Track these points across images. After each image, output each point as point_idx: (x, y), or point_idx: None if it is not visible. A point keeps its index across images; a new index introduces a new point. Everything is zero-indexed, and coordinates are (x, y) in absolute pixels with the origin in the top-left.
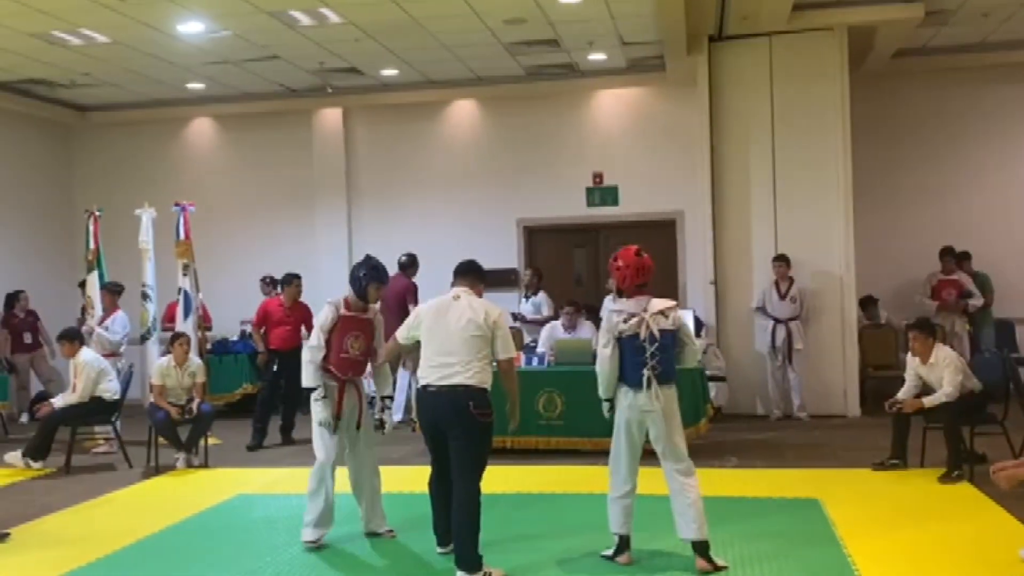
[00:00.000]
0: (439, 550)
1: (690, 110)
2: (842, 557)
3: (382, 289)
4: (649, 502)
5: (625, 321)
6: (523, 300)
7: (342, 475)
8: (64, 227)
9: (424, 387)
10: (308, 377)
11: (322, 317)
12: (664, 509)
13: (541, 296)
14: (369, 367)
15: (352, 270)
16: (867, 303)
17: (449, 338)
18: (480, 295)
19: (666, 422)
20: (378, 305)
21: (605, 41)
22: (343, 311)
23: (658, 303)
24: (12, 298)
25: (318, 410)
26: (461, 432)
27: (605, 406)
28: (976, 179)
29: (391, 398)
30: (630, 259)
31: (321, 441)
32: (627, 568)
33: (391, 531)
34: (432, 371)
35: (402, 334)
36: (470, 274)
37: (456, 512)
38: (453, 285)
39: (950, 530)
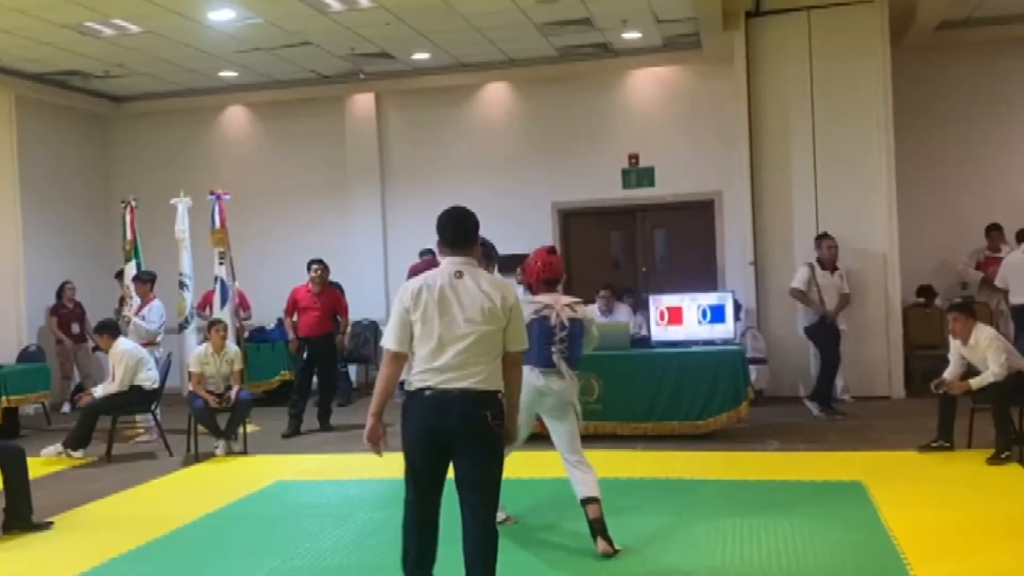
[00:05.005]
0: None
1: (727, 88)
2: (887, 541)
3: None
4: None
5: (536, 312)
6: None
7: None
8: (102, 218)
9: (420, 391)
10: None
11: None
12: None
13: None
14: None
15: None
16: (924, 293)
17: (456, 331)
18: (479, 263)
19: (563, 407)
20: None
21: (639, 19)
22: None
23: (566, 298)
24: (61, 289)
25: None
26: (478, 449)
27: None
28: None
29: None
30: (543, 257)
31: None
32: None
33: None
34: (433, 373)
35: (395, 341)
36: (469, 240)
37: (480, 547)
38: (444, 255)
39: (999, 513)
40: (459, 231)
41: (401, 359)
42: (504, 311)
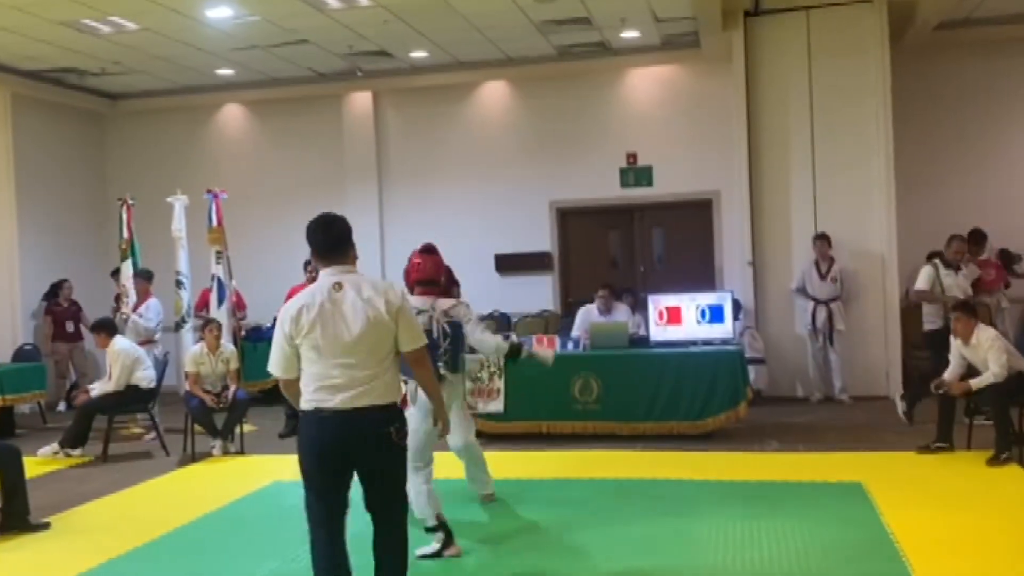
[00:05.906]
0: None
1: (726, 87)
2: (888, 542)
3: None
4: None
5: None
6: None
7: None
8: (98, 216)
9: (316, 410)
10: None
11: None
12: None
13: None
14: None
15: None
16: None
17: (343, 347)
18: (355, 264)
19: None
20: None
21: (638, 18)
22: None
23: (444, 303)
24: (56, 287)
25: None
26: (384, 465)
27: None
28: None
29: None
30: (413, 258)
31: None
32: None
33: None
34: (328, 392)
35: (280, 370)
36: (340, 249)
37: (395, 555)
38: (320, 266)
39: (999, 514)
40: (330, 239)
41: (293, 382)
42: (391, 315)
